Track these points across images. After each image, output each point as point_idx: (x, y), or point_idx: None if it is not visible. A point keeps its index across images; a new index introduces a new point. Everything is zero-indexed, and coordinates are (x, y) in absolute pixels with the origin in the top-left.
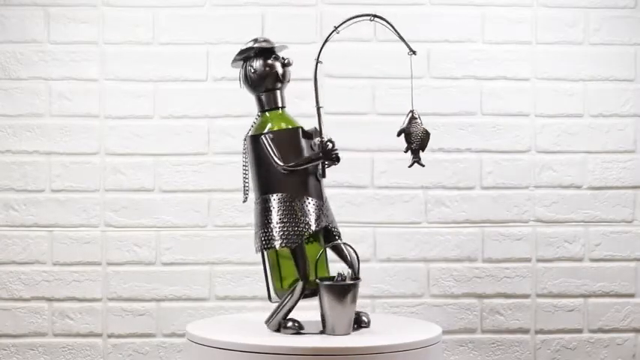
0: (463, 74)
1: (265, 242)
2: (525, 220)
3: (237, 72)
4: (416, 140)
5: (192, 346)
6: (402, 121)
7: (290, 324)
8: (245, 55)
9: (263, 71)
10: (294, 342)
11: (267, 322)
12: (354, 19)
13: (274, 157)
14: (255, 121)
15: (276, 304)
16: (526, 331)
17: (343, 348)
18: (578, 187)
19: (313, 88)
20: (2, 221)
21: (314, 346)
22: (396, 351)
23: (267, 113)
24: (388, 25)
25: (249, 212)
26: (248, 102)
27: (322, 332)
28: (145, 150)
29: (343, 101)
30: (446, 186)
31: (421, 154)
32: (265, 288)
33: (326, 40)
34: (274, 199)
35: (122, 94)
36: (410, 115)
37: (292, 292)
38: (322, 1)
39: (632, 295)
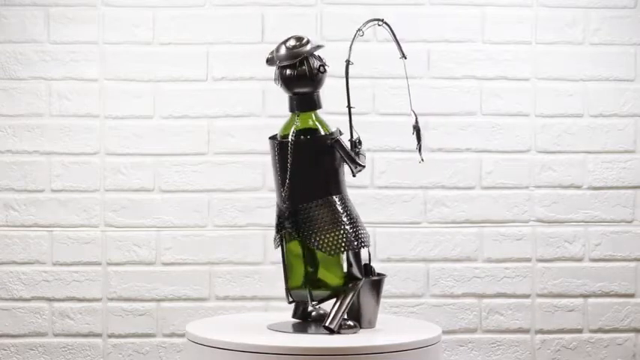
0: (463, 74)
1: (362, 240)
2: (525, 220)
3: (237, 72)
4: (422, 137)
5: (192, 346)
6: (401, 122)
7: (350, 323)
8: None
9: (297, 72)
10: (294, 342)
11: (329, 322)
12: (370, 23)
13: (355, 157)
14: (297, 121)
15: (334, 303)
16: (526, 331)
17: (343, 348)
18: (578, 187)
19: (345, 89)
20: (2, 221)
21: (314, 346)
22: (396, 351)
23: (300, 114)
24: (389, 30)
25: (249, 212)
26: (248, 102)
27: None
28: (145, 150)
29: (343, 101)
30: (446, 186)
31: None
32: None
33: (352, 42)
34: (340, 200)
35: (122, 94)
36: (413, 113)
37: (353, 290)
38: (322, 1)
39: (632, 295)
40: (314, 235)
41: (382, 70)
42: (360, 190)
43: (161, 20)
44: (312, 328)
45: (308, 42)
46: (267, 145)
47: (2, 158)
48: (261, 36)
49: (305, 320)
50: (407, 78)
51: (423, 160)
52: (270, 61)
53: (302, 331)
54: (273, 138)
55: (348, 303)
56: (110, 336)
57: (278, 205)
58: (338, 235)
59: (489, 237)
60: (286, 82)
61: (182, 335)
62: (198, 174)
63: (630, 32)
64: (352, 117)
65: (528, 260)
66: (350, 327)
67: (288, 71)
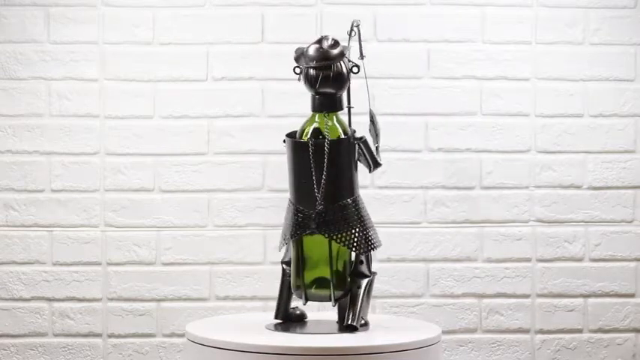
0: (463, 74)
1: (375, 241)
2: (525, 220)
3: (237, 72)
4: (380, 137)
5: (192, 346)
6: (401, 122)
7: (362, 321)
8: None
9: (333, 74)
10: (294, 342)
11: (351, 321)
12: (354, 26)
13: (377, 157)
14: (328, 123)
15: (350, 302)
16: (526, 331)
17: (343, 348)
18: (578, 187)
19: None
20: (2, 221)
21: (314, 346)
22: (396, 351)
23: (328, 114)
24: (357, 32)
25: (249, 212)
26: (248, 102)
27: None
28: (145, 150)
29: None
30: (446, 186)
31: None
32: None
33: (349, 44)
34: (358, 200)
35: (122, 94)
36: (370, 112)
37: (365, 287)
38: (322, 1)
39: (632, 295)
40: (344, 233)
41: (382, 70)
42: (360, 190)
43: (161, 20)
44: (312, 327)
45: (339, 43)
46: (267, 145)
47: (2, 158)
48: (261, 36)
49: (287, 321)
50: (366, 78)
51: (381, 163)
52: (297, 60)
53: (301, 330)
54: (290, 136)
55: (362, 300)
56: (110, 336)
57: (296, 205)
58: (359, 234)
59: (489, 237)
60: (319, 82)
61: (182, 335)
62: (198, 174)
63: (630, 32)
64: (352, 117)
65: (528, 260)
66: (363, 325)
67: (317, 72)
